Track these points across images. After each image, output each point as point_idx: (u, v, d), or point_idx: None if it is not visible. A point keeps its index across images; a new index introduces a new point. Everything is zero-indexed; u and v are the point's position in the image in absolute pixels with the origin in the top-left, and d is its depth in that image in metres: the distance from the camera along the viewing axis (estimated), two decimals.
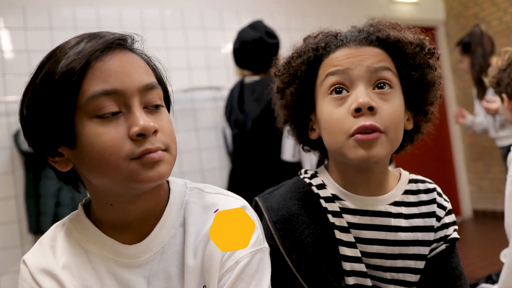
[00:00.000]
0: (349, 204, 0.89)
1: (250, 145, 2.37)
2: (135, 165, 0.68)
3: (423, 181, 0.96)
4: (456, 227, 0.94)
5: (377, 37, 0.85)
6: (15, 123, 2.90)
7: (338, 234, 0.88)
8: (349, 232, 0.88)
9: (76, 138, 0.69)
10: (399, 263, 0.89)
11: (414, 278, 0.90)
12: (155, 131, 0.69)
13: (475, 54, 3.03)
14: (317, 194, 0.91)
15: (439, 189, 0.96)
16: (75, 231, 0.78)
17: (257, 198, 0.95)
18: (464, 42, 3.13)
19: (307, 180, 0.95)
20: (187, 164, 3.43)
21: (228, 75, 2.77)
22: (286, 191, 0.94)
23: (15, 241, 2.92)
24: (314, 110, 0.91)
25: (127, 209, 0.75)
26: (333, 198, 0.90)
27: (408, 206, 0.91)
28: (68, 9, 3.18)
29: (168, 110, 0.83)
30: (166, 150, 0.71)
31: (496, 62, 1.58)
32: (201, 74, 3.56)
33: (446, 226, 0.92)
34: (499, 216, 1.40)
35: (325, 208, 0.90)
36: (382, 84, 0.83)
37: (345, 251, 0.87)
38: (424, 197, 0.93)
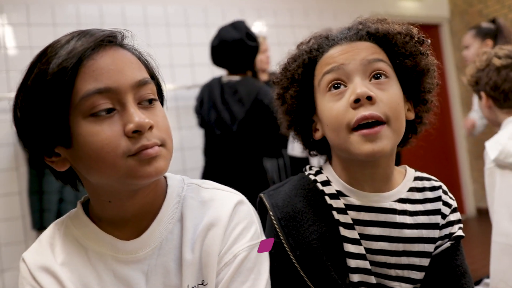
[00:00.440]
0: (354, 200, 0.89)
1: (235, 147, 2.34)
2: (132, 162, 0.68)
3: (428, 179, 0.96)
4: (461, 225, 0.93)
5: (367, 31, 0.88)
6: None
7: (343, 231, 0.88)
8: (354, 229, 0.88)
9: (72, 138, 0.69)
10: (404, 260, 0.88)
11: (418, 275, 0.89)
12: (151, 127, 0.69)
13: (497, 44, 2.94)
14: (322, 191, 0.92)
15: (444, 187, 0.96)
16: (74, 229, 0.79)
17: (262, 195, 0.96)
18: (486, 28, 3.01)
19: (312, 177, 0.95)
20: (190, 161, 3.44)
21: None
22: (291, 188, 0.94)
23: (19, 237, 2.93)
24: (315, 110, 0.92)
25: (125, 205, 0.75)
26: (337, 195, 0.90)
27: (413, 203, 0.91)
28: (71, 6, 3.18)
29: (162, 104, 0.83)
30: (162, 145, 0.72)
31: (474, 62, 1.65)
32: (205, 71, 3.55)
33: (451, 223, 0.92)
34: None
35: (330, 205, 0.90)
36: (378, 75, 0.84)
37: (349, 248, 0.87)
38: (429, 194, 0.93)
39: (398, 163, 0.94)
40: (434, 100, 0.94)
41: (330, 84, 0.85)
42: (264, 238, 0.82)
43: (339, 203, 0.89)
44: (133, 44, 0.77)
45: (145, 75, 0.74)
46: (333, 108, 0.84)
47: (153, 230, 0.77)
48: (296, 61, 0.92)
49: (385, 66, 0.85)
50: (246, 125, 2.28)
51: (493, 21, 3.02)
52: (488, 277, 1.59)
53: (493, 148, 1.44)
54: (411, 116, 0.91)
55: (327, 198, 0.90)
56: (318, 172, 0.96)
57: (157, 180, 0.78)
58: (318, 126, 0.93)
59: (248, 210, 0.83)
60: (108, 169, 0.68)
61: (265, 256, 0.81)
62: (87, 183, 0.76)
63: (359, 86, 0.81)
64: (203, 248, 0.77)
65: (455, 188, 5.12)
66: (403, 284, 0.89)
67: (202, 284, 0.76)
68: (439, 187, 0.95)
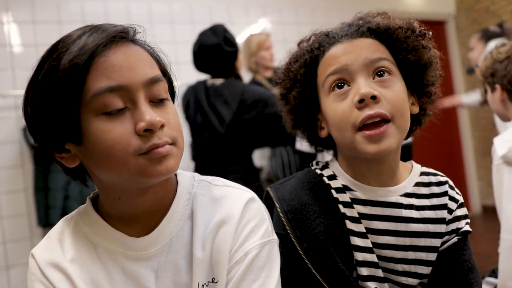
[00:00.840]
0: (359, 195, 0.89)
1: (221, 149, 2.32)
2: (143, 160, 0.67)
3: (435, 174, 0.96)
4: (468, 220, 0.93)
5: (368, 27, 0.87)
6: None
7: (349, 224, 0.88)
8: (360, 223, 0.88)
9: (83, 135, 0.68)
10: (411, 254, 0.88)
11: (425, 270, 0.89)
12: (162, 126, 0.69)
13: None
14: (328, 184, 0.92)
15: (451, 182, 0.96)
16: (83, 225, 0.78)
17: (268, 189, 0.96)
18: (491, 31, 3.01)
19: (318, 171, 0.95)
20: None
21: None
22: (297, 182, 0.94)
23: (24, 234, 2.95)
24: (320, 109, 0.92)
25: (135, 203, 0.75)
26: (343, 189, 0.91)
27: (419, 198, 0.91)
28: (76, 3, 3.19)
29: (173, 101, 0.82)
30: (173, 143, 0.71)
31: (492, 53, 1.60)
32: None
33: (458, 219, 0.92)
34: None
35: (336, 199, 0.90)
36: (381, 72, 0.84)
37: (356, 241, 0.87)
38: (435, 189, 0.93)
39: (410, 158, 0.94)
40: (437, 92, 0.94)
41: (334, 84, 0.85)
42: (275, 235, 0.82)
43: (345, 197, 0.90)
44: (144, 40, 0.76)
45: (157, 72, 0.73)
46: (337, 108, 0.84)
47: (163, 227, 0.77)
48: (298, 61, 0.92)
49: (388, 64, 0.85)
50: (234, 126, 2.26)
51: (501, 25, 3.02)
52: (490, 275, 1.59)
53: (501, 144, 1.42)
54: (416, 110, 0.92)
55: (333, 191, 0.91)
56: (324, 167, 0.97)
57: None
58: (323, 125, 0.93)
59: (259, 208, 0.82)
60: (119, 167, 0.68)
61: (276, 254, 0.80)
62: (97, 179, 0.75)
63: (363, 86, 0.81)
64: (214, 246, 0.76)
65: (461, 185, 5.11)
66: (409, 279, 0.89)
67: (213, 281, 0.75)
68: (446, 182, 0.95)
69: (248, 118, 2.25)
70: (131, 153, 0.66)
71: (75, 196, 2.82)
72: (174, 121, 0.72)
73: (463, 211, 0.93)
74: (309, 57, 0.90)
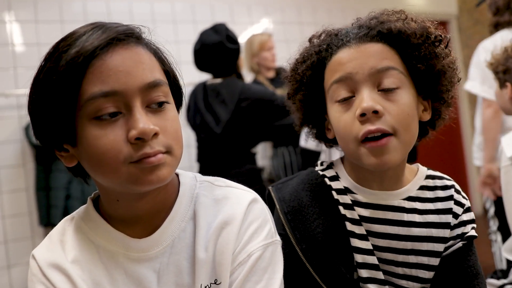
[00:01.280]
0: (360, 198, 0.89)
1: (219, 150, 2.32)
2: (134, 169, 0.66)
3: (440, 177, 0.95)
4: (474, 225, 0.92)
5: (378, 31, 0.83)
6: (26, 116, 2.90)
7: (350, 226, 0.87)
8: (361, 225, 0.87)
9: (77, 138, 0.68)
10: (412, 258, 0.88)
11: (427, 274, 0.88)
12: (156, 134, 0.67)
13: None
14: (329, 185, 0.91)
15: (457, 186, 0.94)
16: (84, 225, 0.78)
17: (270, 188, 0.95)
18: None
19: (321, 172, 0.95)
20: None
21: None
22: (298, 182, 0.93)
23: (25, 233, 2.95)
24: (327, 111, 0.91)
25: (134, 205, 0.74)
26: (345, 191, 0.90)
27: (423, 202, 0.90)
28: (78, 2, 3.19)
29: (180, 102, 0.81)
30: (167, 152, 0.69)
31: (507, 49, 1.56)
32: None
33: (464, 223, 0.91)
34: None
35: (337, 200, 0.89)
36: (387, 87, 0.80)
37: (356, 243, 0.87)
38: (441, 193, 0.92)
39: (414, 159, 0.93)
40: (454, 95, 0.90)
41: (338, 96, 0.83)
42: (278, 236, 0.81)
43: (346, 199, 0.89)
44: (149, 40, 0.74)
45: (157, 76, 0.70)
46: (340, 119, 0.83)
47: (165, 228, 0.76)
48: (305, 62, 0.90)
49: (396, 73, 0.81)
50: (232, 126, 2.26)
51: None
52: (491, 276, 1.58)
53: (509, 145, 1.38)
54: (427, 117, 0.88)
55: (334, 193, 0.90)
56: (328, 167, 0.96)
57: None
58: (330, 127, 0.92)
59: (262, 208, 0.81)
60: (110, 174, 0.67)
61: (279, 255, 0.80)
62: (96, 180, 0.75)
63: (366, 99, 0.78)
64: (217, 247, 0.76)
65: (462, 187, 5.07)
66: (410, 283, 0.88)
67: (215, 283, 0.75)
68: (452, 186, 0.93)
69: (247, 118, 2.24)
70: (122, 161, 0.66)
71: (77, 195, 2.82)
72: (171, 128, 0.71)
73: (469, 215, 0.92)
74: (317, 58, 0.88)
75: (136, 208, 0.75)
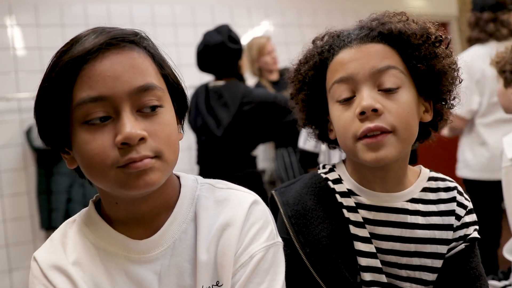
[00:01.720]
0: (364, 200, 0.89)
1: (219, 152, 2.32)
2: (121, 173, 0.67)
3: (443, 179, 0.95)
4: (477, 226, 0.92)
5: (379, 32, 0.84)
6: (28, 120, 2.92)
7: (353, 229, 0.87)
8: (364, 228, 0.87)
9: (72, 142, 0.69)
10: (415, 261, 0.87)
11: (430, 277, 0.88)
12: (143, 139, 0.67)
13: None
14: (333, 189, 0.91)
15: (460, 188, 0.94)
16: (86, 228, 0.78)
17: (273, 192, 0.96)
18: None
19: (324, 175, 0.95)
20: None
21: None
22: (302, 186, 0.94)
23: (27, 236, 2.95)
24: (329, 111, 0.91)
25: (133, 208, 0.75)
26: (348, 193, 0.90)
27: (426, 204, 0.90)
28: (79, 6, 3.19)
29: (184, 106, 0.81)
30: (157, 156, 0.69)
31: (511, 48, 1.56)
32: None
33: (467, 225, 0.91)
34: None
35: (341, 203, 0.89)
36: (388, 87, 0.81)
37: (359, 246, 0.86)
38: (443, 195, 0.92)
39: (414, 161, 0.93)
40: (456, 96, 0.90)
41: (339, 96, 0.84)
42: (279, 238, 0.81)
43: (349, 202, 0.89)
44: (149, 43, 0.74)
45: (149, 80, 0.70)
46: (340, 117, 0.84)
47: (166, 229, 0.76)
48: (308, 63, 0.91)
49: (396, 73, 0.82)
50: (233, 129, 2.26)
51: None
52: (493, 278, 1.58)
53: (510, 146, 1.38)
54: (428, 118, 0.89)
55: (337, 196, 0.90)
56: (331, 170, 0.96)
57: (168, 181, 0.76)
58: (332, 127, 0.92)
59: (263, 210, 0.82)
60: (100, 178, 0.68)
61: (281, 256, 0.80)
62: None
63: (365, 98, 0.79)
64: (219, 248, 0.76)
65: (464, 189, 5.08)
66: (414, 285, 0.88)
67: (217, 285, 0.75)
68: (454, 188, 0.93)
69: (248, 121, 2.25)
70: (109, 166, 0.66)
71: (78, 199, 2.82)
72: (162, 132, 0.70)
73: (472, 217, 0.92)
74: (319, 59, 0.89)
75: (136, 211, 0.75)
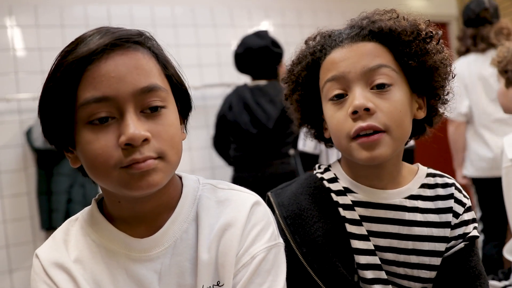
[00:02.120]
0: (361, 197, 0.89)
1: (271, 144, 2.50)
2: (125, 174, 0.67)
3: (441, 176, 0.95)
4: (476, 224, 0.92)
5: (370, 30, 0.84)
6: (28, 121, 2.92)
7: (349, 227, 0.87)
8: (361, 225, 0.87)
9: (76, 142, 0.70)
10: (413, 258, 0.88)
11: (429, 274, 0.88)
12: (146, 139, 0.67)
13: None
14: (328, 188, 0.91)
15: (458, 185, 0.94)
16: (88, 226, 0.79)
17: (269, 194, 0.96)
18: None
19: (319, 175, 0.95)
20: (198, 161, 3.44)
21: (239, 72, 2.77)
22: (297, 187, 0.94)
23: (27, 237, 2.95)
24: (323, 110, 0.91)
25: (136, 207, 0.75)
26: (344, 191, 0.90)
27: (424, 200, 0.90)
28: (79, 7, 3.19)
29: (188, 106, 0.81)
30: (160, 157, 0.69)
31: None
32: (212, 72, 3.56)
33: (465, 223, 0.91)
34: None
35: (336, 202, 0.89)
36: (380, 83, 0.81)
37: (356, 244, 0.87)
38: (441, 191, 0.92)
39: (411, 161, 0.93)
40: (450, 91, 0.91)
41: (331, 94, 0.84)
42: (281, 239, 0.82)
43: (345, 200, 0.89)
44: (153, 44, 0.75)
45: (153, 81, 0.70)
46: (333, 117, 0.84)
47: (167, 229, 0.77)
48: (300, 63, 0.92)
49: (388, 71, 0.82)
50: (280, 123, 2.45)
51: None
52: (493, 278, 1.58)
53: (511, 147, 1.38)
54: (421, 115, 0.89)
55: (333, 195, 0.90)
56: (326, 170, 0.96)
57: (170, 181, 0.77)
58: (327, 126, 0.92)
59: (265, 211, 0.82)
60: (103, 178, 0.69)
61: (282, 257, 0.80)
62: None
63: (358, 97, 0.80)
64: (220, 249, 0.76)
65: (466, 188, 5.08)
66: (412, 283, 0.88)
67: (218, 285, 0.75)
68: (452, 184, 0.93)
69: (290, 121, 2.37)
70: (112, 166, 0.67)
71: (78, 199, 2.82)
72: (165, 133, 0.70)
73: (470, 215, 0.92)
74: (311, 59, 0.90)
75: (138, 210, 0.75)
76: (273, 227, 0.81)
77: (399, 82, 0.83)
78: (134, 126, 0.66)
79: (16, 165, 2.94)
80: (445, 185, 0.93)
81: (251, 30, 3.78)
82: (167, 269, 0.75)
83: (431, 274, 0.89)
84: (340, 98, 0.84)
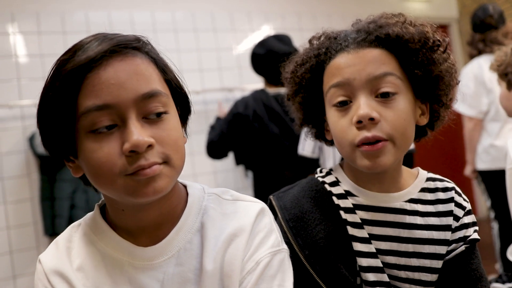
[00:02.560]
0: (362, 200, 0.89)
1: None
2: (130, 181, 0.66)
3: (441, 180, 0.95)
4: (477, 227, 0.92)
5: (376, 36, 0.83)
6: (30, 127, 2.94)
7: (351, 230, 0.88)
8: (363, 228, 0.87)
9: (78, 151, 0.69)
10: (414, 261, 0.88)
11: (430, 277, 0.88)
12: (151, 145, 0.66)
13: None
14: (330, 191, 0.91)
15: (458, 189, 0.95)
16: (91, 233, 0.78)
17: (271, 197, 0.96)
18: None
19: (321, 179, 0.95)
20: (199, 166, 3.44)
21: (240, 77, 2.76)
22: (299, 190, 0.94)
23: (31, 243, 2.95)
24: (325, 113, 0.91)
25: (139, 216, 0.74)
26: (346, 195, 0.90)
27: (424, 204, 0.90)
28: (80, 13, 3.21)
29: (188, 111, 0.81)
30: (165, 162, 0.69)
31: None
32: (213, 76, 3.57)
33: (466, 226, 0.91)
34: None
35: (338, 205, 0.90)
36: (385, 91, 0.81)
37: (358, 247, 0.87)
38: (441, 195, 0.92)
39: (411, 166, 0.93)
40: (453, 97, 0.90)
41: (335, 100, 0.84)
42: (285, 245, 0.81)
43: (347, 203, 0.89)
44: (151, 49, 0.74)
45: (154, 86, 0.69)
46: (337, 123, 0.84)
47: (172, 238, 0.76)
48: (304, 65, 0.90)
49: (393, 79, 0.81)
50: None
51: None
52: (496, 281, 1.58)
53: None
54: (424, 121, 0.89)
55: (334, 198, 0.90)
56: (328, 173, 0.96)
57: (173, 190, 0.76)
58: (329, 128, 0.92)
59: (268, 219, 0.82)
60: (107, 186, 0.68)
61: (288, 263, 0.79)
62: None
63: (362, 106, 0.79)
64: (225, 259, 0.75)
65: (467, 189, 5.07)
66: (413, 286, 0.88)
67: None
68: (452, 188, 0.94)
69: None
70: (117, 174, 0.66)
71: (81, 205, 2.83)
72: (169, 138, 0.70)
73: (470, 218, 0.92)
74: (316, 62, 0.88)
75: (142, 218, 0.75)
76: (276, 234, 0.80)
77: (403, 90, 0.83)
78: (138, 133, 0.65)
79: (19, 171, 2.95)
80: (445, 189, 0.93)
81: (251, 34, 3.81)
82: (170, 279, 0.75)
83: (433, 277, 0.89)
84: (344, 105, 0.83)
